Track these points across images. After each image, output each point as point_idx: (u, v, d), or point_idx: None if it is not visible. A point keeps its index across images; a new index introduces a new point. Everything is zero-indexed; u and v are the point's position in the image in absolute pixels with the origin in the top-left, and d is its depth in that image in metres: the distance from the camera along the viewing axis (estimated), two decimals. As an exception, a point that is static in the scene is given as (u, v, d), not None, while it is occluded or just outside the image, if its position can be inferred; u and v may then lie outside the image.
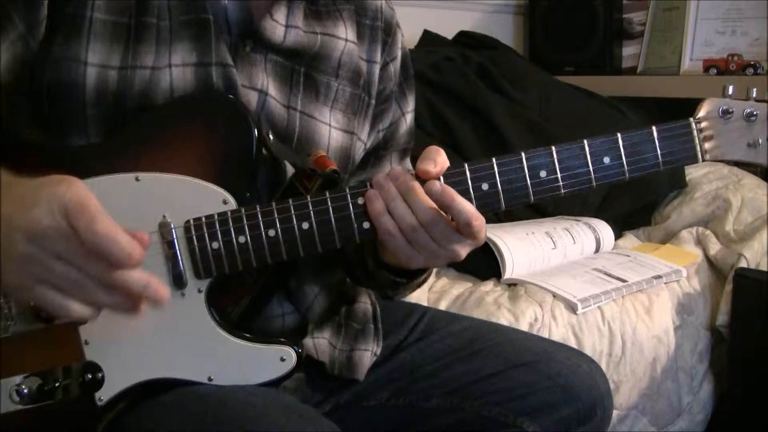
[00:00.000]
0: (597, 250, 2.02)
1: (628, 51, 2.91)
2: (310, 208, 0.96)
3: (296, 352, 0.98)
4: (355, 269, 1.17)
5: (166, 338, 0.96)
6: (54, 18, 0.99)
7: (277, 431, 0.89)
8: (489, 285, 1.80)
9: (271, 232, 0.95)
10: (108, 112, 0.98)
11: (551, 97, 2.38)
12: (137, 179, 0.95)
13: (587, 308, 1.74)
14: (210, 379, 0.97)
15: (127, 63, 0.99)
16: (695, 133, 0.96)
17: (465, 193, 0.95)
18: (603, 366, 1.54)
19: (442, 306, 1.69)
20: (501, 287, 1.79)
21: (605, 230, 2.05)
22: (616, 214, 2.19)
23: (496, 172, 0.96)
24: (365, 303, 1.23)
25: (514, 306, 1.69)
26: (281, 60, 1.08)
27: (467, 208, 0.93)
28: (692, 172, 2.30)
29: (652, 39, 2.85)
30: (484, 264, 1.84)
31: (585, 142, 0.97)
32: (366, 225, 0.96)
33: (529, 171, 0.96)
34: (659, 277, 1.89)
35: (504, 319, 1.65)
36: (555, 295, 1.74)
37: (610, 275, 1.86)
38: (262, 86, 1.06)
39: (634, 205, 2.24)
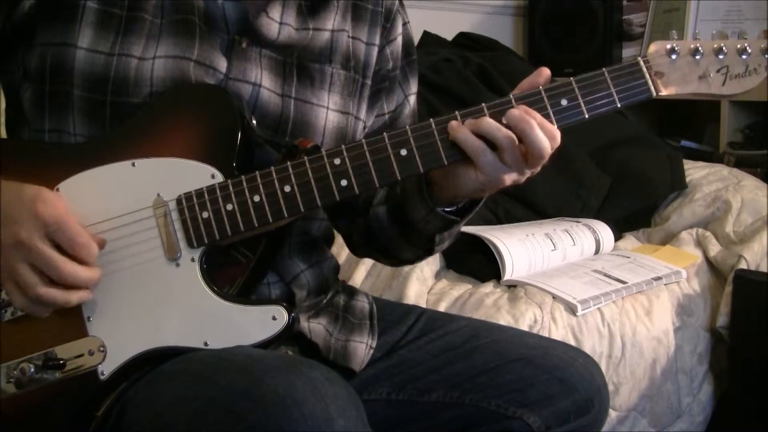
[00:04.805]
0: (597, 252, 2.02)
1: (628, 52, 2.91)
2: (290, 171, 1.02)
3: (287, 310, 1.01)
4: (386, 232, 1.20)
5: (163, 308, 1.02)
6: (47, 7, 1.06)
7: (278, 364, 0.91)
8: (489, 287, 1.80)
9: (256, 198, 1.02)
10: (92, 95, 1.05)
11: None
12: (133, 165, 1.04)
13: (587, 310, 1.74)
14: (206, 344, 1.01)
15: (115, 50, 1.06)
16: (644, 69, 1.03)
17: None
18: (603, 367, 1.54)
19: (442, 308, 1.69)
20: (501, 289, 1.79)
21: (605, 232, 2.05)
22: (616, 215, 2.19)
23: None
24: (363, 302, 1.27)
25: (514, 308, 1.69)
26: (274, 55, 1.13)
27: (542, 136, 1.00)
28: (692, 174, 2.29)
29: (652, 40, 2.83)
30: (484, 265, 1.84)
31: (541, 88, 1.03)
32: (344, 183, 1.02)
33: None
34: (659, 278, 1.89)
35: (503, 320, 1.64)
36: (555, 297, 1.74)
37: (609, 276, 1.86)
38: (255, 79, 1.11)
39: (634, 206, 2.24)
